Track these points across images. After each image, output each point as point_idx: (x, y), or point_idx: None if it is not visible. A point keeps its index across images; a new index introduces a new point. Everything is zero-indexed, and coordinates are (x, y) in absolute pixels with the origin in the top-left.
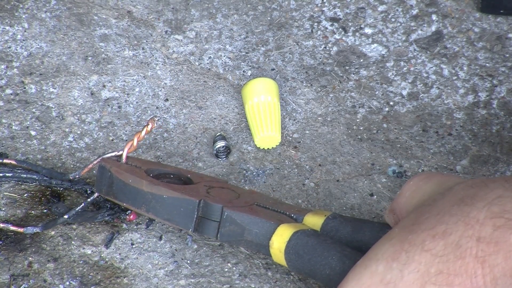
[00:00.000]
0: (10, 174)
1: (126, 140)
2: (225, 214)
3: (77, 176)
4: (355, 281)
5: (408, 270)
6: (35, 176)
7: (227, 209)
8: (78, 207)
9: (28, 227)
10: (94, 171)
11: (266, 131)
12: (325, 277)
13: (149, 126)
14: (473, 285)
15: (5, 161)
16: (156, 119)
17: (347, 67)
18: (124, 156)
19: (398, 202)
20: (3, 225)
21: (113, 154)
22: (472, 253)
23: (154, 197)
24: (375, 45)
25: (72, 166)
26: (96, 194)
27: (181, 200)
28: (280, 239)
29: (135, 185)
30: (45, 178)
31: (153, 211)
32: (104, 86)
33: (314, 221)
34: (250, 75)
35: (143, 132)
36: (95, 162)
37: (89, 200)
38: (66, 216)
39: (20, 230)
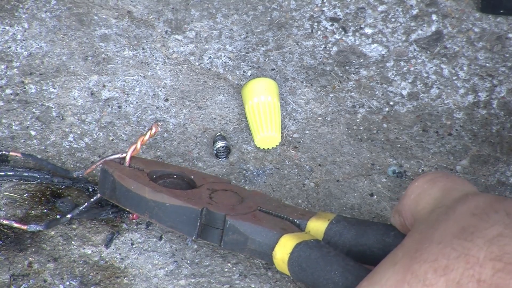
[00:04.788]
0: (11, 173)
1: (126, 140)
2: (228, 223)
3: (80, 175)
4: None
5: None
6: (36, 175)
7: (230, 217)
8: (82, 206)
9: (32, 225)
10: (96, 171)
11: (266, 131)
12: None
13: (153, 130)
14: None
15: (11, 153)
16: (160, 124)
17: (347, 67)
18: (127, 160)
19: (403, 204)
20: (7, 221)
21: (116, 156)
22: None
23: (157, 204)
24: (375, 45)
25: (72, 166)
26: (99, 195)
27: (183, 208)
28: (283, 250)
29: (138, 191)
30: (46, 176)
31: (156, 218)
32: (104, 86)
33: (317, 226)
34: (250, 75)
35: (147, 136)
36: (98, 163)
37: (92, 200)
38: (69, 216)
39: (24, 227)
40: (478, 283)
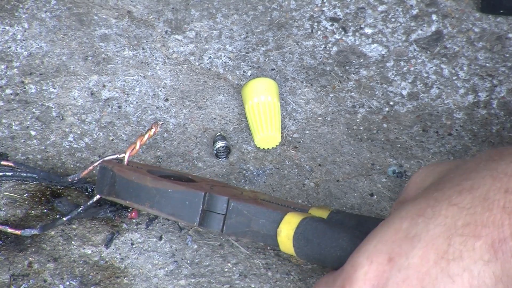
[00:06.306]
0: (10, 173)
1: (126, 140)
2: (232, 205)
3: (76, 179)
4: (377, 238)
5: (434, 224)
6: (35, 175)
7: (233, 200)
8: (79, 209)
9: (26, 229)
10: (95, 171)
11: (266, 131)
12: (336, 259)
13: (152, 131)
14: (500, 235)
15: (3, 163)
16: (160, 123)
17: (347, 67)
18: (126, 159)
19: (408, 191)
20: (1, 227)
21: (114, 156)
22: (499, 205)
23: (159, 191)
24: (375, 45)
25: (72, 166)
26: (97, 196)
27: (186, 193)
28: (288, 226)
29: (139, 181)
30: (44, 177)
31: (158, 206)
32: (104, 86)
33: (318, 214)
34: (250, 75)
35: (146, 136)
36: (95, 164)
37: (89, 203)
38: (65, 219)
39: (18, 232)
40: (506, 192)
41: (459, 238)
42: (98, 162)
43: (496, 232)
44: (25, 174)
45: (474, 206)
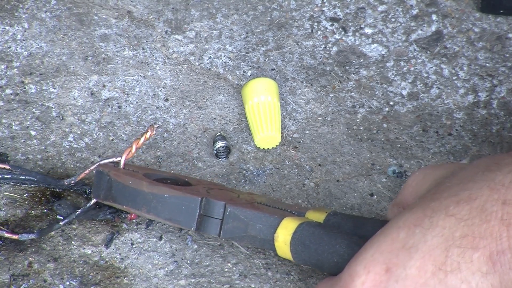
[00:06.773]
0: (8, 176)
1: (126, 140)
2: (228, 210)
3: (72, 182)
4: (374, 248)
5: (431, 234)
6: (33, 178)
7: (230, 205)
8: (77, 213)
9: (23, 234)
10: (94, 171)
11: (266, 131)
12: (333, 265)
13: (148, 134)
14: (498, 247)
15: (0, 165)
16: (156, 126)
17: (347, 67)
18: (122, 163)
19: (404, 193)
20: None
21: (110, 160)
22: (497, 216)
23: (155, 197)
24: (375, 45)
25: (72, 166)
26: (93, 200)
27: (183, 198)
28: (285, 232)
29: (135, 186)
30: (42, 180)
31: (154, 211)
32: (104, 86)
33: (315, 217)
34: (250, 75)
35: (142, 140)
36: (91, 168)
37: (86, 207)
38: (62, 223)
39: (15, 237)
40: (503, 204)
41: (457, 250)
42: (94, 165)
43: (494, 244)
44: (23, 177)
45: (471, 217)
